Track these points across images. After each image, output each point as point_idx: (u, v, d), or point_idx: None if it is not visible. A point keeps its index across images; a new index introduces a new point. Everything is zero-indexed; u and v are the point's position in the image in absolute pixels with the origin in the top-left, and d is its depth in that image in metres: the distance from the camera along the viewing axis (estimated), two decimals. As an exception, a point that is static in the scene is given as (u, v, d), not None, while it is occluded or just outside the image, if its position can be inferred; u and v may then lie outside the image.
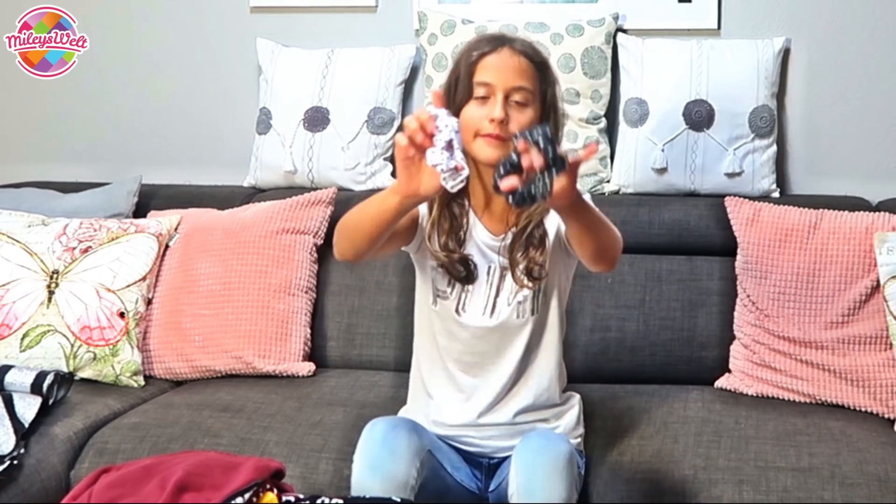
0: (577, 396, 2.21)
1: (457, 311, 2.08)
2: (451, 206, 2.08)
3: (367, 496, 1.86)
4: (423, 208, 2.08)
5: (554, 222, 2.06)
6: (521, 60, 2.02)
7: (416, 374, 2.19)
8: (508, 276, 2.07)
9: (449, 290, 2.09)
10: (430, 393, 2.15)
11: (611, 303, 2.68)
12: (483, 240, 2.08)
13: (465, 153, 1.92)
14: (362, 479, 1.90)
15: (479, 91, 2.01)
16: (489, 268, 2.08)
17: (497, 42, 2.04)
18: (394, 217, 1.89)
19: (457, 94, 2.03)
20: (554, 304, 2.11)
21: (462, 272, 2.07)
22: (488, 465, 2.12)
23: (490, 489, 2.10)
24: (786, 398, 2.49)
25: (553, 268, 2.08)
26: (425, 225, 2.07)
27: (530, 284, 2.05)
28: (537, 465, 1.90)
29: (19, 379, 2.37)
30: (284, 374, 2.67)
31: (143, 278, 2.71)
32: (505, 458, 2.09)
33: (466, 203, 2.09)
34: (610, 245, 1.94)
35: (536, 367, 2.11)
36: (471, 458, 2.12)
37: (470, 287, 2.08)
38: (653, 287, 2.70)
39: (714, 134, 2.86)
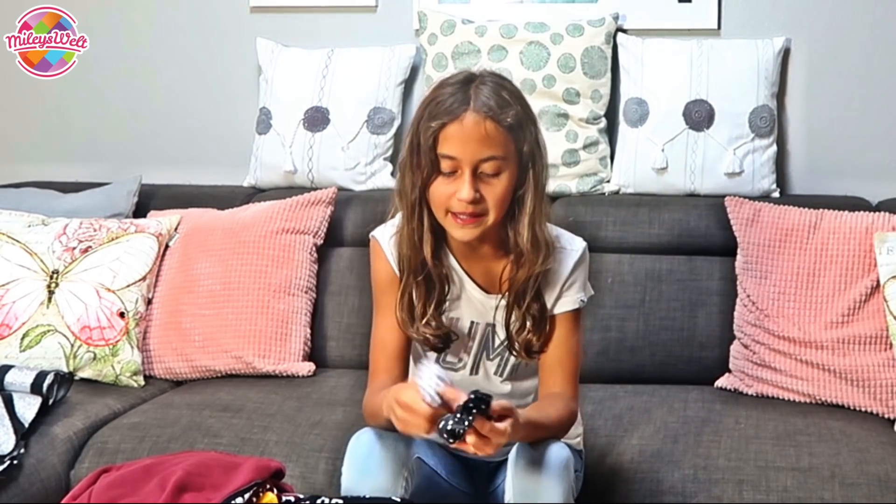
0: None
1: (438, 362, 2.02)
2: (427, 278, 1.96)
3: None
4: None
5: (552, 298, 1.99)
6: (488, 126, 1.83)
7: None
8: (495, 336, 2.01)
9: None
10: None
11: (611, 303, 2.68)
12: (477, 297, 2.00)
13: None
14: (351, 490, 1.87)
15: (444, 165, 1.85)
16: (473, 324, 2.01)
17: (459, 103, 1.84)
18: None
19: (420, 164, 1.88)
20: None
21: (440, 346, 1.99)
22: (488, 470, 2.10)
23: (490, 490, 2.08)
24: (786, 398, 2.49)
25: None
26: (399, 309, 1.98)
27: (524, 357, 1.98)
28: (533, 470, 1.85)
29: (19, 379, 2.37)
30: (284, 374, 2.66)
31: (143, 278, 2.71)
32: (504, 461, 2.07)
33: (452, 259, 2.00)
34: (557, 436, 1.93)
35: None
36: (469, 463, 2.09)
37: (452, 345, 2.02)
38: (653, 287, 2.70)
39: (714, 134, 2.86)
